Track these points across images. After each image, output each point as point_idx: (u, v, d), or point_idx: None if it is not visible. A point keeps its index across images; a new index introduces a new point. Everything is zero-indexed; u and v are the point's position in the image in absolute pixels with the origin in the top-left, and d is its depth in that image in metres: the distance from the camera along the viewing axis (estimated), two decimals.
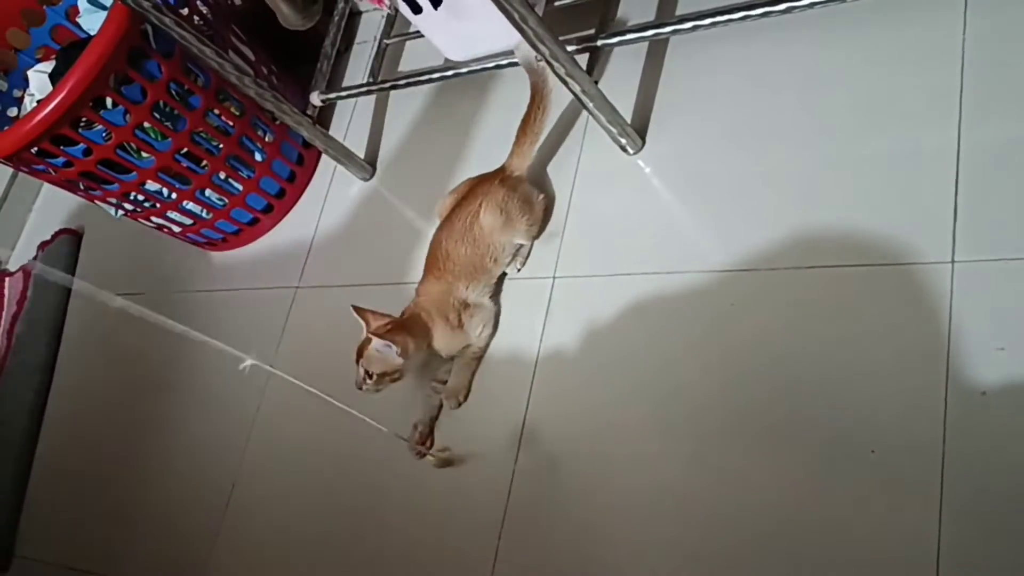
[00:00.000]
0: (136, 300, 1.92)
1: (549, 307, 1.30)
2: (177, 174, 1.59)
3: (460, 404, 1.31)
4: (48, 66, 1.67)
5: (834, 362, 1.05)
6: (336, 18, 1.67)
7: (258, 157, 1.67)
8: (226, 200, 1.68)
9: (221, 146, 1.60)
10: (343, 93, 1.61)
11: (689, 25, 1.20)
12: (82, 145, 1.47)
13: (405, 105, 1.66)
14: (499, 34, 1.30)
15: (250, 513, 1.49)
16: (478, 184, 1.35)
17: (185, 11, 1.51)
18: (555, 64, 1.14)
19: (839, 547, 0.97)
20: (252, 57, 1.64)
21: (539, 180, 1.40)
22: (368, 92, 1.60)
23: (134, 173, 1.55)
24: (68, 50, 1.65)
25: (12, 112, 1.71)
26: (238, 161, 1.65)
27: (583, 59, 1.23)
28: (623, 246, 1.28)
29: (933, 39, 1.13)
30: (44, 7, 1.69)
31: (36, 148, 1.44)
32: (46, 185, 2.27)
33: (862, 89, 1.17)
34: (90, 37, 1.44)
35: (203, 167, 1.60)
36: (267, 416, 1.55)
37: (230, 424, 1.58)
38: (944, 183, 1.05)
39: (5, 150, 1.42)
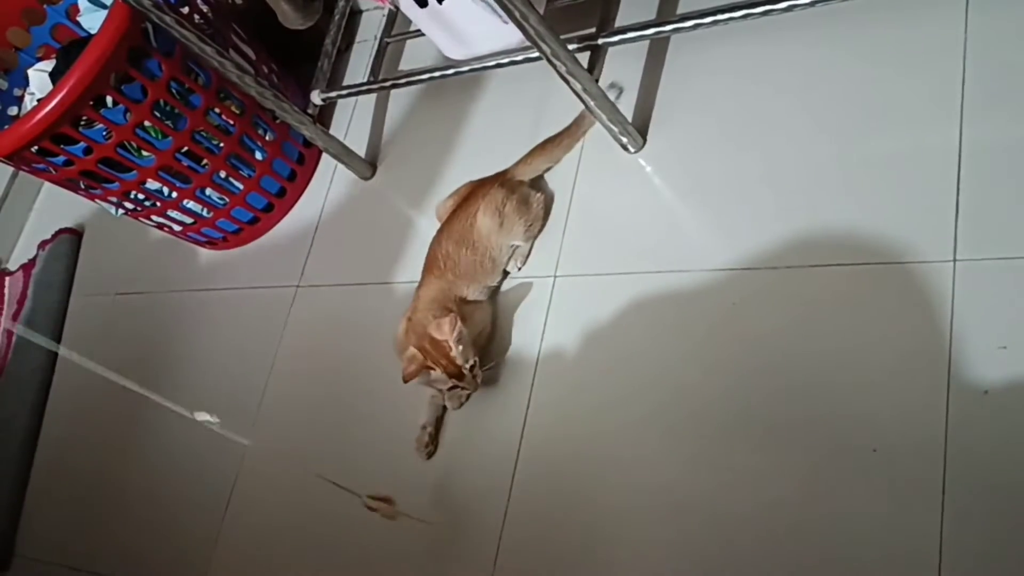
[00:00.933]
0: (137, 299, 1.94)
1: (550, 306, 1.30)
2: (178, 173, 1.59)
3: (462, 404, 1.31)
4: (48, 65, 1.67)
5: (835, 361, 1.05)
6: (337, 17, 1.67)
7: (259, 156, 1.67)
8: (227, 199, 1.68)
9: (222, 145, 1.59)
10: (344, 92, 1.61)
11: (690, 24, 1.20)
12: (82, 144, 1.47)
13: (406, 104, 1.66)
14: (500, 33, 1.30)
15: (251, 513, 1.49)
16: (478, 187, 1.36)
17: (186, 10, 1.51)
18: (556, 63, 1.14)
19: (840, 546, 0.97)
20: (253, 56, 1.64)
21: (537, 180, 1.40)
22: (369, 91, 1.60)
23: (134, 172, 1.55)
24: (68, 49, 1.65)
25: (12, 111, 1.71)
26: (239, 160, 1.65)
27: (584, 57, 1.23)
28: (624, 245, 1.28)
29: (935, 38, 1.13)
30: (45, 6, 1.69)
31: (36, 147, 1.44)
32: (46, 184, 2.27)
33: (864, 87, 1.17)
34: (90, 36, 1.44)
35: (204, 166, 1.60)
36: (268, 416, 1.55)
37: (232, 424, 1.58)
38: (946, 182, 1.05)
39: (5, 149, 1.42)
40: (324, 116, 1.74)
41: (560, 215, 1.35)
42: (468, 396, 1.30)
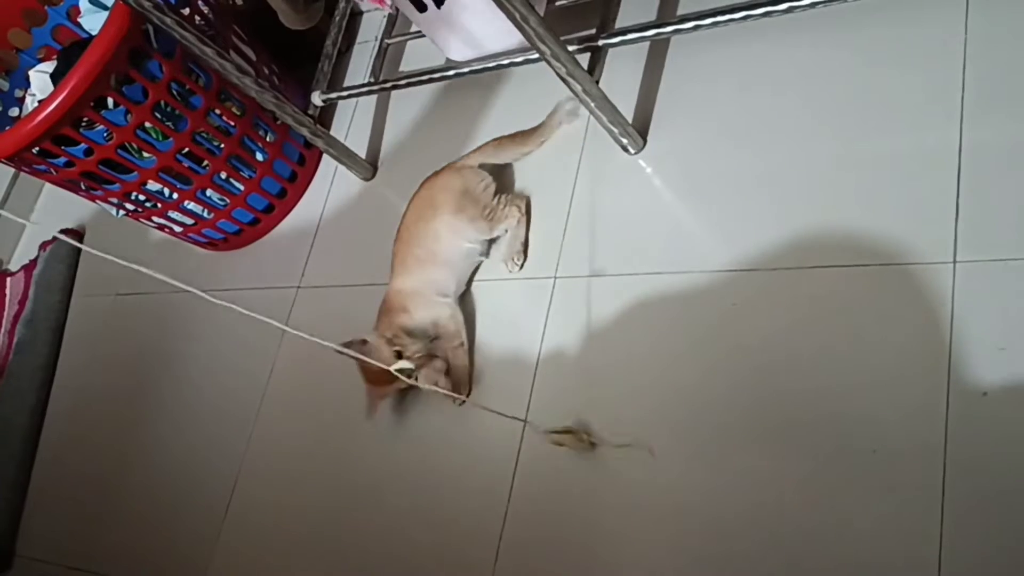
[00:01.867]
0: (137, 300, 1.94)
1: (550, 307, 1.30)
2: (178, 174, 1.59)
3: (468, 393, 1.31)
4: (49, 66, 1.67)
5: (835, 362, 1.05)
6: (337, 18, 1.67)
7: (259, 157, 1.67)
8: (227, 200, 1.68)
9: (222, 146, 1.60)
10: (344, 93, 1.61)
11: (690, 25, 1.20)
12: (83, 145, 1.47)
13: (406, 105, 1.66)
14: (500, 34, 1.30)
15: (251, 513, 1.49)
16: (429, 176, 1.41)
17: (186, 11, 1.51)
18: (556, 64, 1.14)
19: (840, 547, 0.97)
20: (253, 57, 1.64)
21: (503, 173, 1.43)
22: (369, 92, 1.60)
23: (135, 173, 1.55)
24: (69, 50, 1.65)
25: (14, 112, 1.71)
26: (239, 161, 1.65)
27: (584, 59, 1.23)
28: (624, 246, 1.28)
29: (935, 38, 1.13)
30: (45, 7, 1.69)
31: (37, 148, 1.44)
32: (47, 185, 2.28)
33: (863, 89, 1.17)
34: (91, 37, 1.44)
35: (204, 167, 1.60)
36: (268, 416, 1.55)
37: (231, 424, 1.58)
38: (946, 183, 1.05)
39: (7, 150, 1.42)
40: (325, 117, 1.74)
41: (560, 216, 1.35)
42: (440, 370, 1.31)
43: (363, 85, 1.58)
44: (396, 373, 1.19)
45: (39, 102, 1.47)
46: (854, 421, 1.01)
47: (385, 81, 1.55)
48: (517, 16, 1.05)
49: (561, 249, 1.33)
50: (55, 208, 2.27)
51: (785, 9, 1.11)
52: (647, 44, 1.38)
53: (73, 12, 1.70)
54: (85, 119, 1.46)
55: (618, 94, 1.27)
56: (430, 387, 1.24)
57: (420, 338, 1.31)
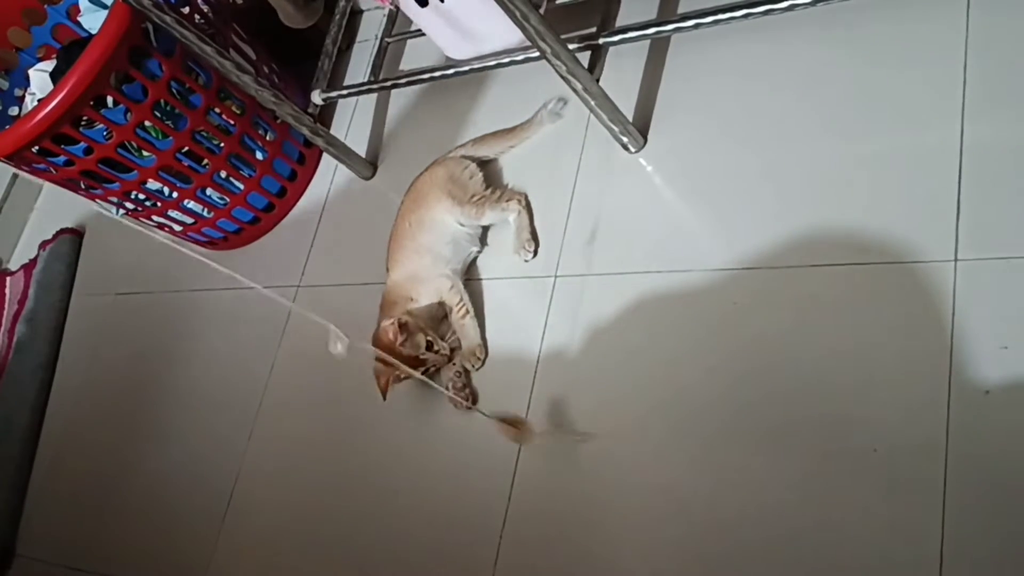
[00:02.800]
0: (137, 299, 1.93)
1: (550, 306, 1.30)
2: (178, 173, 1.59)
3: (482, 362, 1.32)
4: (49, 65, 1.67)
5: (836, 361, 1.05)
6: (337, 16, 1.67)
7: (259, 156, 1.67)
8: (227, 199, 1.68)
9: (222, 145, 1.59)
10: (344, 92, 1.61)
11: (691, 23, 1.19)
12: (83, 144, 1.47)
13: (406, 104, 1.66)
14: (501, 32, 1.30)
15: (251, 512, 1.49)
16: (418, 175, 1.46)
17: (186, 9, 1.51)
18: (556, 62, 1.14)
19: (841, 546, 0.97)
20: (253, 56, 1.64)
21: (503, 172, 1.45)
22: (369, 91, 1.60)
23: (135, 172, 1.55)
24: (69, 49, 1.65)
25: (13, 111, 1.71)
26: (239, 160, 1.65)
27: (584, 57, 1.23)
28: (624, 245, 1.27)
29: (936, 36, 1.13)
30: (45, 6, 1.69)
31: (37, 147, 1.44)
32: (47, 184, 2.27)
33: (865, 87, 1.16)
34: (91, 36, 1.44)
35: (204, 166, 1.60)
36: (269, 415, 1.55)
37: (232, 423, 1.58)
38: (947, 181, 1.05)
39: (6, 149, 1.42)
40: (325, 116, 1.74)
41: (561, 215, 1.35)
42: (454, 367, 1.33)
43: (363, 84, 1.58)
44: (424, 355, 1.27)
45: (39, 101, 1.47)
46: (855, 420, 1.01)
47: (385, 80, 1.55)
48: (518, 14, 1.05)
49: (562, 248, 1.33)
50: (55, 207, 2.27)
51: (786, 7, 1.11)
52: (648, 42, 1.38)
53: (73, 11, 1.69)
54: (85, 118, 1.45)
55: (619, 92, 1.27)
56: (443, 388, 1.28)
57: (430, 323, 1.33)
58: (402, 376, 1.28)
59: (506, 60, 1.33)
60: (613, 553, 1.11)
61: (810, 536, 0.99)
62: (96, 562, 1.63)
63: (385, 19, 1.66)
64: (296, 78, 1.76)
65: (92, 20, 1.67)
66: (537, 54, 1.15)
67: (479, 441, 1.28)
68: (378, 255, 1.45)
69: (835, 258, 1.09)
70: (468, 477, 1.27)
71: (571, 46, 1.18)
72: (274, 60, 1.72)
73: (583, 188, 1.35)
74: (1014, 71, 1.06)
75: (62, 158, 1.50)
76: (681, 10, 1.34)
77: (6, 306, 2.14)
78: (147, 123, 1.49)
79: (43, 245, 2.17)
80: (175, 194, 1.62)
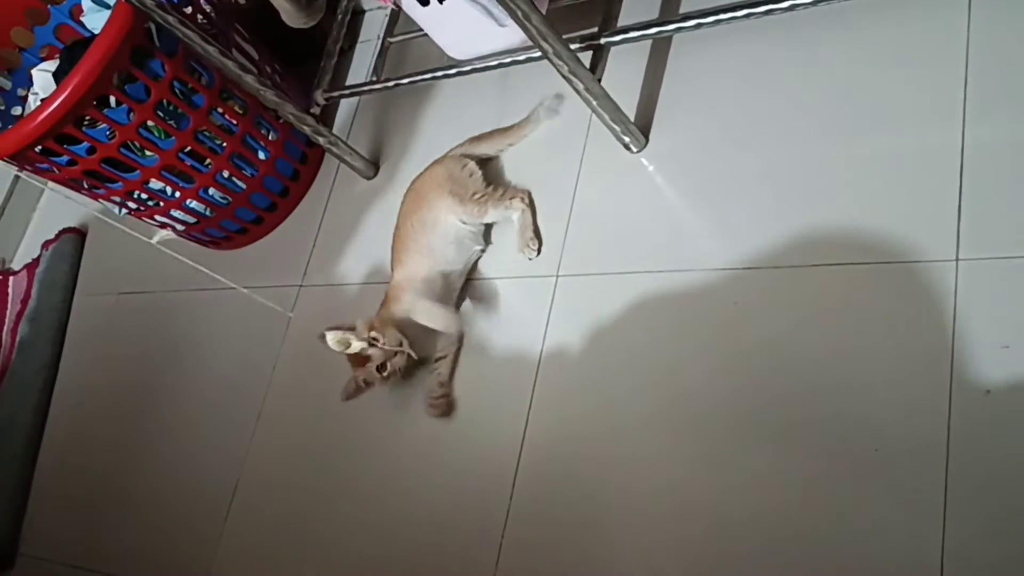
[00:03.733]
0: (140, 299, 1.94)
1: (552, 306, 1.30)
2: (181, 172, 1.59)
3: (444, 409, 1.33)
4: (52, 65, 1.67)
5: (837, 361, 1.05)
6: (339, 16, 1.67)
7: (262, 156, 1.67)
8: (230, 199, 1.68)
9: (225, 144, 1.60)
10: (346, 92, 1.61)
11: (693, 23, 1.19)
12: (86, 144, 1.48)
13: (408, 104, 1.66)
14: (502, 33, 1.30)
15: (254, 512, 1.49)
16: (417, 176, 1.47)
17: (189, 10, 1.51)
18: (558, 62, 1.14)
19: (842, 546, 0.97)
20: (256, 55, 1.64)
21: (504, 171, 1.46)
22: (371, 91, 1.60)
23: (138, 172, 1.55)
24: (72, 49, 1.65)
25: (16, 111, 1.72)
26: (242, 159, 1.65)
27: (586, 57, 1.23)
28: (626, 244, 1.27)
29: (937, 36, 1.13)
30: (48, 6, 1.69)
31: (40, 147, 1.44)
32: (50, 184, 2.28)
33: (866, 87, 1.16)
34: (94, 36, 1.44)
35: (207, 165, 1.61)
36: (271, 416, 1.55)
37: (234, 423, 1.58)
38: (948, 181, 1.05)
39: (9, 149, 1.43)
40: (327, 116, 1.74)
41: (562, 215, 1.35)
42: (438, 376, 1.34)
43: (365, 84, 1.58)
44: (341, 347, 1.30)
45: (42, 101, 1.47)
46: (856, 420, 1.01)
47: (387, 80, 1.55)
48: (519, 14, 1.05)
49: (563, 247, 1.33)
50: (58, 207, 2.27)
51: (787, 7, 1.11)
52: (649, 42, 1.38)
53: (76, 11, 1.70)
54: (88, 118, 1.46)
55: (620, 92, 1.27)
56: (371, 373, 1.31)
57: (415, 332, 1.32)
58: (360, 380, 1.32)
59: (508, 60, 1.33)
60: (615, 554, 1.11)
61: (811, 536, 0.99)
62: (99, 561, 1.63)
63: (387, 19, 1.66)
64: (298, 78, 1.76)
65: (95, 20, 1.67)
66: (539, 54, 1.15)
67: (481, 443, 1.28)
68: (380, 254, 1.45)
69: (836, 258, 1.09)
70: (470, 479, 1.27)
71: (573, 46, 1.18)
72: (276, 60, 1.73)
73: (585, 188, 1.36)
74: (1015, 71, 1.06)
75: (65, 158, 1.50)
76: (683, 10, 1.35)
77: (9, 305, 2.15)
78: (150, 123, 1.50)
79: (46, 245, 2.17)
80: (178, 194, 1.62)
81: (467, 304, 1.40)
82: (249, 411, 1.57)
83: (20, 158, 1.48)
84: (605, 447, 1.17)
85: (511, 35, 1.28)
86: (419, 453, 1.34)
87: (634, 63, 1.37)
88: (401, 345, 1.30)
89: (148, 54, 1.45)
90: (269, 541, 1.44)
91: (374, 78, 1.59)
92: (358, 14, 1.85)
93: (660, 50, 1.37)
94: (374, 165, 1.66)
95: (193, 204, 1.67)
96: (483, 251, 1.41)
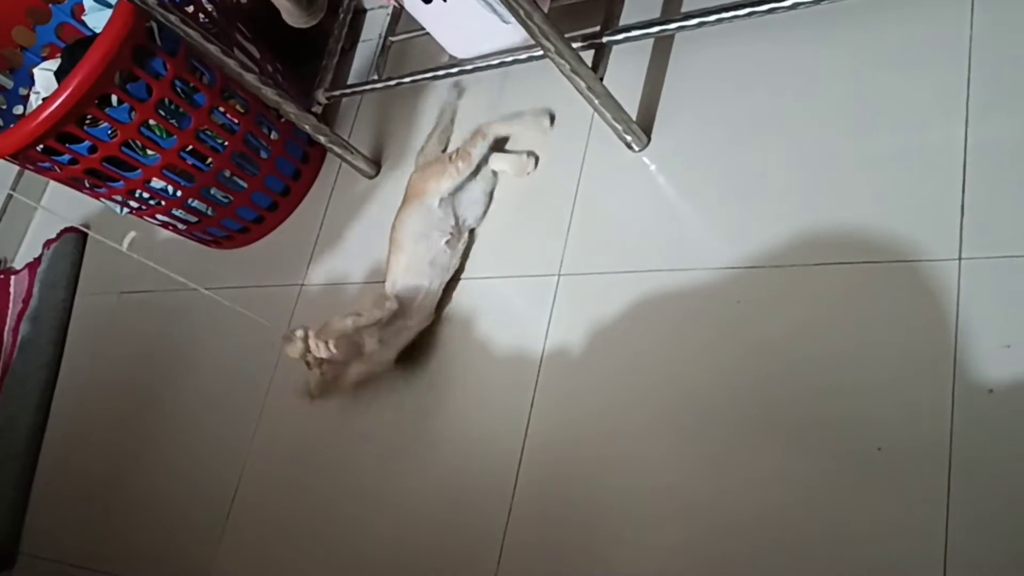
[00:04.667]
0: (141, 298, 1.94)
1: (554, 305, 1.30)
2: (182, 172, 1.59)
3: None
4: (54, 64, 1.67)
5: (839, 360, 1.05)
6: (341, 15, 1.67)
7: (263, 155, 1.67)
8: (231, 198, 1.68)
9: (226, 144, 1.60)
10: (348, 91, 1.61)
11: (695, 22, 1.19)
12: (88, 143, 1.48)
13: (410, 103, 1.66)
14: (504, 32, 1.30)
15: (254, 512, 1.49)
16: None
17: (190, 9, 1.51)
18: (560, 61, 1.14)
19: (844, 546, 0.96)
20: (257, 55, 1.64)
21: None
22: (373, 90, 1.60)
23: (140, 171, 1.55)
24: (74, 48, 1.65)
25: (18, 110, 1.72)
26: (243, 159, 1.65)
27: (588, 56, 1.23)
28: (628, 243, 1.27)
29: (940, 35, 1.12)
30: (50, 5, 1.69)
31: (42, 146, 1.44)
32: (52, 183, 2.28)
33: (869, 85, 1.16)
34: (95, 35, 1.44)
35: (208, 165, 1.61)
36: (272, 415, 1.55)
37: (235, 423, 1.58)
38: (951, 180, 1.04)
39: (11, 148, 1.43)
40: (328, 115, 1.73)
41: (564, 213, 1.35)
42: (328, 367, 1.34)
43: (366, 83, 1.58)
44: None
45: (43, 99, 1.47)
46: (858, 419, 1.01)
47: (389, 79, 1.54)
48: (521, 13, 1.05)
49: (565, 246, 1.33)
50: (59, 206, 2.27)
51: (790, 5, 1.11)
52: (651, 41, 1.38)
53: (77, 10, 1.70)
54: (89, 117, 1.46)
55: (622, 91, 1.27)
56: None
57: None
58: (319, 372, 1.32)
59: (509, 59, 1.33)
60: (617, 555, 1.11)
61: (813, 536, 0.99)
62: (100, 560, 1.63)
63: (388, 18, 1.66)
64: (300, 77, 1.76)
65: (96, 19, 1.67)
66: (540, 53, 1.15)
67: (482, 443, 1.28)
68: (382, 253, 1.45)
69: (839, 257, 1.09)
70: (471, 479, 1.27)
71: (575, 45, 1.18)
72: (278, 59, 1.72)
73: (586, 187, 1.35)
74: (1018, 69, 1.06)
75: (67, 157, 1.50)
76: (685, 9, 1.34)
77: (11, 305, 2.15)
78: (151, 122, 1.50)
79: (47, 244, 2.17)
80: (179, 193, 1.62)
81: (467, 304, 1.39)
82: (250, 410, 1.57)
83: (22, 157, 1.48)
84: (607, 447, 1.17)
85: (513, 34, 1.28)
86: (420, 453, 1.33)
87: (636, 62, 1.37)
88: (325, 346, 1.29)
89: (150, 53, 1.45)
90: (270, 540, 1.44)
91: (375, 77, 1.59)
92: (359, 13, 1.85)
93: (662, 49, 1.37)
94: (376, 164, 1.66)
95: (195, 203, 1.67)
96: (456, 255, 1.40)
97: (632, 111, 1.32)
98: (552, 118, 1.43)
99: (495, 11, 1.26)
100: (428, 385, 1.37)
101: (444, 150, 1.52)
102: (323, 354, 1.29)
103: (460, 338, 1.37)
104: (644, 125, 1.32)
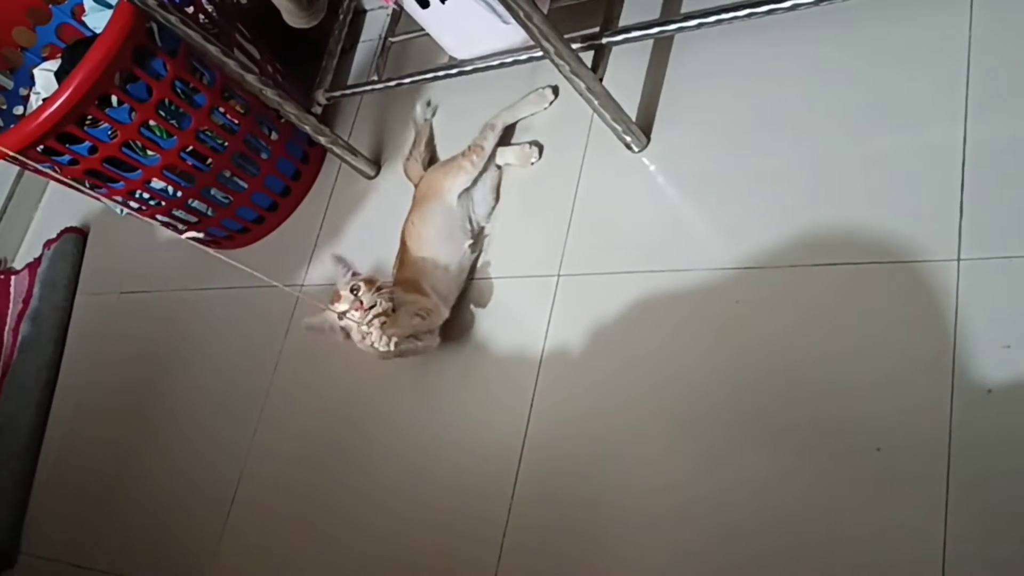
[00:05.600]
0: (141, 298, 1.94)
1: (554, 305, 1.30)
2: (182, 172, 1.59)
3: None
4: (54, 64, 1.67)
5: (839, 360, 1.05)
6: (341, 16, 1.67)
7: (263, 155, 1.68)
8: (231, 198, 1.68)
9: (226, 144, 1.60)
10: (348, 91, 1.61)
11: (694, 23, 1.20)
12: (88, 143, 1.48)
13: (409, 103, 1.66)
14: (503, 32, 1.30)
15: (255, 511, 1.49)
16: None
17: (191, 9, 1.51)
18: (559, 62, 1.14)
19: (844, 546, 0.97)
20: (257, 55, 1.64)
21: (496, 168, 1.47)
22: (373, 90, 1.60)
23: (140, 171, 1.55)
24: (74, 48, 1.65)
25: (18, 110, 1.72)
26: (243, 159, 1.65)
27: (588, 57, 1.23)
28: (627, 244, 1.27)
29: (939, 35, 1.13)
30: (50, 6, 1.69)
31: (42, 146, 1.44)
32: (52, 183, 2.28)
33: (868, 86, 1.16)
34: (96, 35, 1.44)
35: (208, 165, 1.61)
36: (272, 414, 1.56)
37: (235, 423, 1.58)
38: (950, 180, 1.05)
39: (11, 148, 1.42)
40: (328, 115, 1.74)
41: (564, 214, 1.35)
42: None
43: (366, 83, 1.58)
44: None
45: (43, 100, 1.47)
46: (858, 419, 1.01)
47: (388, 79, 1.55)
48: (521, 14, 1.05)
49: (564, 247, 1.33)
50: (59, 206, 2.27)
51: (789, 7, 1.11)
52: (651, 42, 1.38)
53: (77, 10, 1.70)
54: (89, 117, 1.46)
55: (622, 92, 1.27)
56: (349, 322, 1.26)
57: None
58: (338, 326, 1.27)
59: (509, 60, 1.33)
60: (616, 555, 1.11)
61: (812, 535, 0.99)
62: (100, 560, 1.63)
63: (388, 19, 1.66)
64: (300, 77, 1.76)
65: (97, 19, 1.67)
66: (540, 54, 1.15)
67: (482, 443, 1.28)
68: (382, 253, 1.45)
69: (838, 257, 1.09)
70: (471, 479, 1.27)
71: (574, 46, 1.18)
72: (278, 60, 1.72)
73: (586, 187, 1.36)
74: (1017, 70, 1.06)
75: (67, 157, 1.50)
76: (684, 10, 1.34)
77: (11, 305, 2.15)
78: (151, 122, 1.50)
79: (48, 244, 2.17)
80: (179, 193, 1.62)
81: (468, 304, 1.40)
82: (250, 410, 1.57)
83: (22, 157, 1.48)
84: (606, 447, 1.17)
85: (513, 34, 1.28)
86: (421, 453, 1.34)
87: (636, 63, 1.37)
88: (388, 343, 1.24)
89: (150, 53, 1.45)
90: (270, 540, 1.44)
91: (375, 77, 1.59)
92: (359, 14, 1.85)
93: (662, 50, 1.37)
94: (375, 164, 1.67)
95: (195, 204, 1.67)
96: (476, 254, 1.41)
97: (632, 112, 1.32)
98: (555, 91, 1.44)
99: (495, 11, 1.26)
100: (428, 385, 1.37)
101: (431, 160, 1.54)
102: (382, 347, 1.25)
103: (460, 338, 1.37)
104: (644, 126, 1.32)
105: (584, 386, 1.23)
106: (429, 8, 1.31)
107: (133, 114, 1.46)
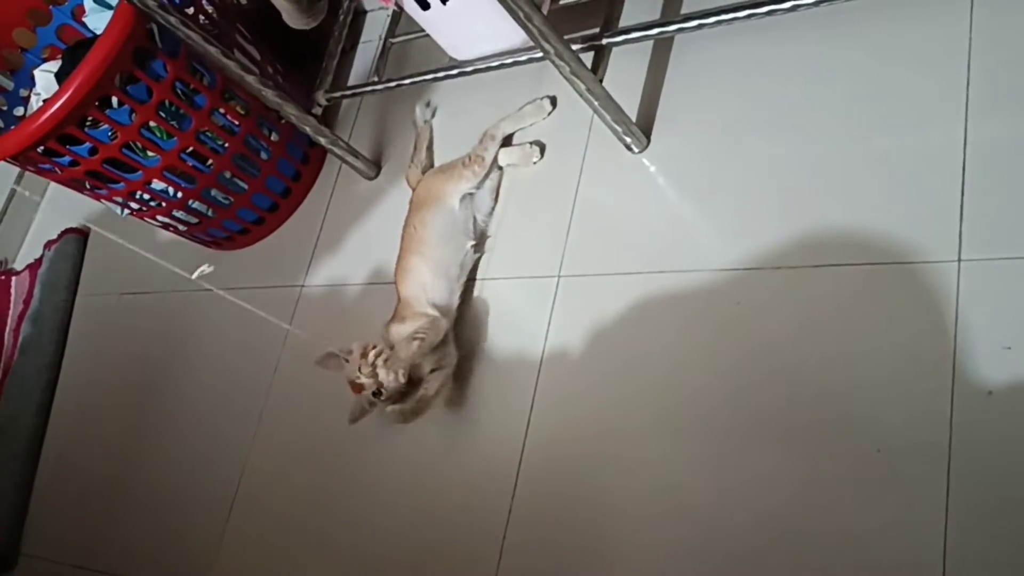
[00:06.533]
0: (142, 299, 1.94)
1: (554, 306, 1.30)
2: (183, 173, 1.59)
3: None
4: (54, 65, 1.67)
5: (839, 361, 1.05)
6: (341, 17, 1.67)
7: (264, 156, 1.68)
8: (232, 199, 1.68)
9: (227, 145, 1.60)
10: (348, 92, 1.61)
11: (694, 24, 1.20)
12: (88, 144, 1.48)
13: (410, 104, 1.66)
14: (504, 33, 1.30)
15: (255, 512, 1.49)
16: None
17: (191, 10, 1.51)
18: (559, 63, 1.14)
19: (843, 547, 0.97)
20: (258, 56, 1.65)
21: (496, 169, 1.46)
22: (373, 91, 1.60)
23: (140, 172, 1.55)
24: (74, 49, 1.65)
25: (19, 111, 1.72)
26: (244, 160, 1.65)
27: (588, 58, 1.23)
28: (628, 245, 1.27)
29: (939, 36, 1.13)
30: (50, 7, 1.69)
31: (42, 147, 1.44)
32: (52, 184, 2.28)
33: (868, 87, 1.16)
34: (96, 36, 1.44)
35: (209, 166, 1.61)
36: (273, 415, 1.56)
37: (236, 423, 1.58)
38: (950, 181, 1.05)
39: (12, 149, 1.43)
40: (329, 116, 1.74)
41: (564, 215, 1.35)
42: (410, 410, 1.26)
43: (367, 84, 1.58)
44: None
45: (44, 101, 1.47)
46: (858, 421, 1.01)
47: (389, 80, 1.55)
48: (521, 15, 1.05)
49: (565, 248, 1.33)
50: (60, 207, 2.27)
51: (789, 7, 1.11)
52: (651, 43, 1.38)
53: (78, 11, 1.70)
54: (90, 118, 1.46)
55: (622, 93, 1.27)
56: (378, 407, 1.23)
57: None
58: (365, 403, 1.23)
59: (509, 61, 1.33)
60: (617, 555, 1.11)
61: (813, 537, 0.99)
62: (101, 561, 1.63)
63: (389, 20, 1.66)
64: (300, 79, 1.77)
65: (97, 21, 1.67)
66: (540, 55, 1.15)
67: (483, 443, 1.28)
68: (382, 255, 1.45)
69: (838, 258, 1.09)
70: (472, 479, 1.27)
71: (574, 47, 1.18)
72: (278, 61, 1.73)
73: (586, 188, 1.36)
74: (1018, 70, 1.06)
75: (67, 158, 1.50)
76: (684, 10, 1.34)
77: (11, 306, 2.15)
78: (152, 124, 1.50)
79: (48, 245, 2.18)
80: (180, 194, 1.63)
81: (468, 305, 1.40)
82: (251, 411, 1.57)
83: (23, 159, 1.48)
84: (607, 447, 1.17)
85: (513, 35, 1.28)
86: (421, 453, 1.34)
87: (636, 64, 1.37)
88: (396, 376, 1.20)
89: (150, 55, 1.45)
90: (271, 540, 1.44)
91: (376, 78, 1.59)
92: (360, 15, 1.85)
93: (662, 51, 1.37)
94: (376, 165, 1.67)
95: (195, 205, 1.67)
96: (479, 255, 1.41)
97: (632, 113, 1.32)
98: (553, 101, 1.44)
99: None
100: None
101: (430, 166, 1.53)
102: (392, 385, 1.20)
103: (460, 339, 1.37)
104: (644, 127, 1.32)
105: (585, 387, 1.23)
106: (429, 9, 1.31)
107: (133, 115, 1.46)
